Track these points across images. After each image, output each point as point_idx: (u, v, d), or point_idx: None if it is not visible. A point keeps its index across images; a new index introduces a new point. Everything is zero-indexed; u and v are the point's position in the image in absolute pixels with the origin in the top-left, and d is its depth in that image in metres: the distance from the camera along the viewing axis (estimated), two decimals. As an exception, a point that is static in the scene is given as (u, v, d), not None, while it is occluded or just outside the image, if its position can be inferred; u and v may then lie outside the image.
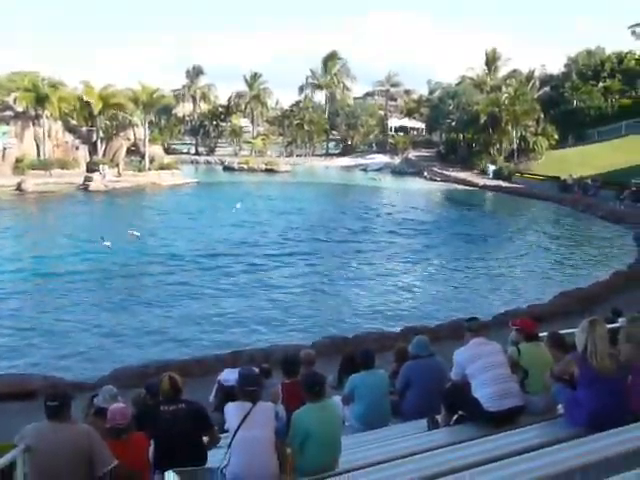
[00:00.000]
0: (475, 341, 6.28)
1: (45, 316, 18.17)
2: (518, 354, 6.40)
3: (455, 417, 6.38)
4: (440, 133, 79.27)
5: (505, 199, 48.48)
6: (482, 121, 60.52)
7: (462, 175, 59.35)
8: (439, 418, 6.52)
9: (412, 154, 77.49)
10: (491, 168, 57.90)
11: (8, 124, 49.91)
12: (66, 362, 14.58)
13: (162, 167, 54.93)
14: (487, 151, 61.66)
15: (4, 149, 48.02)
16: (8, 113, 51.06)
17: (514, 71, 76.15)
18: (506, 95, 61.95)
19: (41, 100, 49.52)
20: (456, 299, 20.69)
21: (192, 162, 73.82)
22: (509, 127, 59.20)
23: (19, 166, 47.92)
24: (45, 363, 14.35)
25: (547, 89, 71.79)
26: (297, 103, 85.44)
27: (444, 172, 62.20)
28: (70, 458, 4.74)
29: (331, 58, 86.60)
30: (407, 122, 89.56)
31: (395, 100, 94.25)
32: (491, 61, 76.34)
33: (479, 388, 5.96)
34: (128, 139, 56.72)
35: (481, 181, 55.71)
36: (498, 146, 60.78)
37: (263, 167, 68.56)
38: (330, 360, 10.81)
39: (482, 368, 5.98)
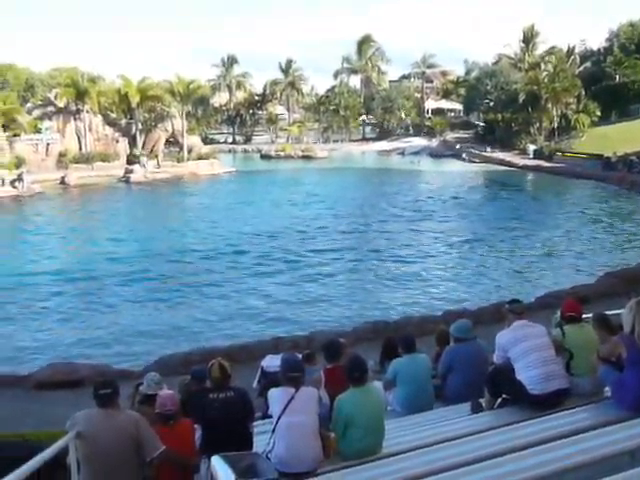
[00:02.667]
0: (518, 323, 6.20)
1: (91, 306, 18.61)
2: (563, 336, 6.30)
3: (499, 400, 6.33)
4: (478, 114, 78.02)
5: (546, 179, 47.58)
6: (521, 100, 59.34)
7: (501, 156, 58.41)
8: (483, 402, 6.48)
9: (450, 136, 76.53)
10: (531, 148, 56.81)
11: (50, 119, 51.01)
12: (112, 350, 14.93)
13: (200, 157, 55.44)
14: (527, 131, 60.47)
15: (47, 144, 49.05)
16: (50, 109, 52.14)
17: (553, 48, 74.20)
18: (545, 73, 60.59)
19: (81, 95, 50.40)
20: (498, 281, 20.47)
21: (230, 151, 74.30)
22: (549, 105, 57.90)
23: (62, 160, 48.94)
24: (92, 352, 14.71)
25: (588, 65, 69.98)
26: (332, 88, 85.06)
27: (483, 153, 61.30)
28: (120, 444, 4.86)
29: (365, 42, 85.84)
30: (444, 104, 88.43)
31: (431, 82, 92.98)
32: (529, 38, 74.58)
33: (523, 371, 5.89)
34: (166, 130, 57.37)
35: (521, 161, 54.74)
36: (538, 125, 59.54)
37: (300, 154, 68.59)
38: (371, 345, 10.85)
39: (526, 351, 5.91)
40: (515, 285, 19.84)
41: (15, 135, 47.43)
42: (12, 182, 41.33)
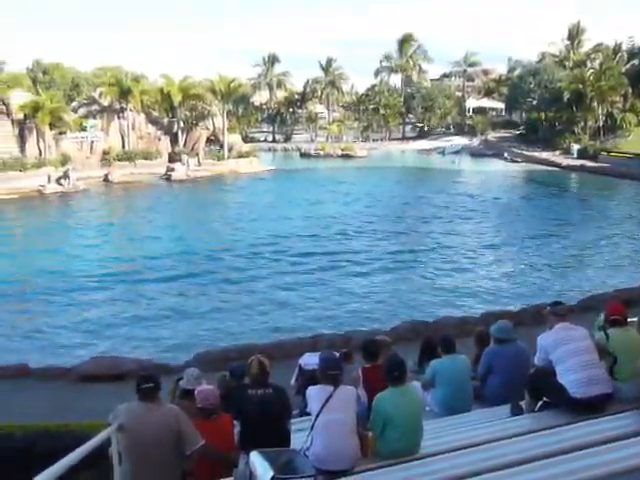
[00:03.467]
0: (560, 326, 6.10)
1: (133, 301, 18.97)
2: (606, 339, 6.17)
3: (540, 403, 6.24)
4: (520, 113, 76.89)
5: (591, 179, 46.66)
6: (565, 99, 58.26)
7: (544, 155, 57.49)
8: (523, 404, 6.39)
9: (491, 135, 75.57)
10: (575, 147, 55.77)
11: (95, 118, 52.09)
12: (152, 345, 15.21)
13: (241, 155, 55.88)
14: (571, 130, 59.39)
15: (92, 142, 50.11)
16: (95, 107, 53.24)
17: (599, 45, 72.57)
18: (591, 71, 59.33)
19: (125, 94, 51.33)
20: (539, 283, 20.16)
21: (269, 149, 74.72)
22: (594, 104, 56.77)
23: (106, 158, 49.94)
24: (133, 346, 15.00)
25: (636, 62, 68.15)
26: (372, 87, 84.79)
27: (525, 153, 60.40)
28: (160, 437, 4.95)
29: (407, 40, 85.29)
30: (485, 102, 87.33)
31: (473, 80, 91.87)
32: (574, 36, 73.15)
33: (565, 374, 5.79)
34: (207, 129, 58.00)
35: (564, 161, 53.78)
36: (582, 124, 58.43)
37: (339, 153, 68.59)
38: (409, 345, 10.80)
39: (568, 353, 5.81)
40: (556, 287, 19.52)
41: (61, 133, 48.59)
42: (58, 179, 42.35)
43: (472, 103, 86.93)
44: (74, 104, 56.04)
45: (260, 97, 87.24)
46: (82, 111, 53.07)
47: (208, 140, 57.81)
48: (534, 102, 67.77)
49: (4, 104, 45.62)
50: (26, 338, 15.94)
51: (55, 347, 15.23)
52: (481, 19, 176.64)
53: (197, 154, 53.84)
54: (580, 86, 57.36)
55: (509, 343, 7.22)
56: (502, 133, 76.25)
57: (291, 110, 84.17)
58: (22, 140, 46.09)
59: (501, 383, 6.99)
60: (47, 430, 7.48)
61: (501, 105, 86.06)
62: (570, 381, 5.73)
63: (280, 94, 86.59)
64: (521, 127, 72.70)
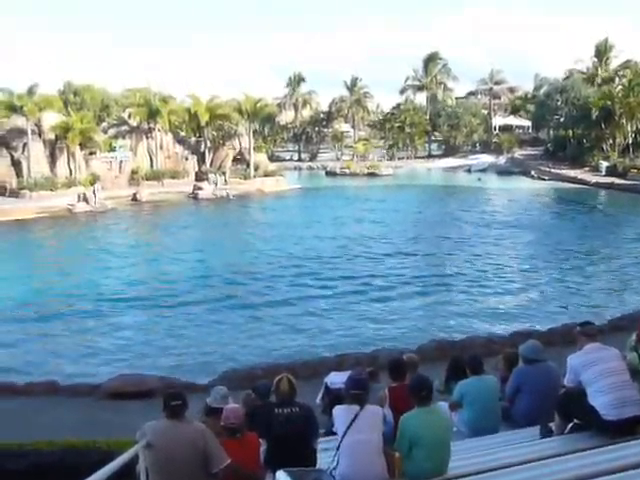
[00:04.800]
0: (591, 346, 5.99)
1: (159, 320, 19.09)
2: (639, 360, 6.05)
3: (570, 425, 6.12)
4: (547, 130, 76.39)
5: (620, 197, 46.00)
6: (594, 116, 57.74)
7: (572, 173, 56.86)
8: (552, 426, 6.28)
9: (518, 153, 75.06)
10: (604, 165, 55.12)
11: (124, 138, 53.00)
12: (177, 363, 15.26)
13: (266, 174, 56.30)
14: (599, 147, 58.78)
15: (121, 162, 50.93)
16: (124, 128, 54.19)
17: (628, 61, 71.94)
18: (620, 87, 58.78)
19: (153, 114, 52.17)
20: (569, 303, 19.85)
21: (295, 168, 75.14)
22: (623, 121, 56.13)
23: (134, 177, 50.69)
24: (159, 364, 15.07)
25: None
26: (398, 105, 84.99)
27: (552, 170, 59.83)
28: (187, 455, 4.96)
29: (432, 59, 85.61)
30: (512, 120, 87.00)
31: (499, 98, 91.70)
32: (602, 52, 72.62)
33: (596, 396, 5.68)
34: (234, 148, 58.62)
35: (593, 179, 53.13)
36: (611, 141, 57.80)
37: (365, 171, 68.71)
38: (435, 364, 10.68)
39: (599, 374, 5.70)
40: (586, 306, 19.21)
41: (91, 153, 49.50)
42: (85, 197, 42.93)
43: (498, 121, 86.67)
44: (104, 125, 57.11)
45: (286, 116, 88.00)
46: (112, 131, 54.07)
47: (234, 159, 58.41)
48: (561, 119, 67.31)
49: (36, 125, 46.63)
50: (54, 356, 16.13)
51: (82, 364, 15.37)
52: (507, 37, 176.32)
53: (224, 173, 54.37)
54: (609, 103, 56.84)
55: (539, 363, 7.12)
56: (529, 151, 75.77)
57: (317, 129, 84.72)
58: (53, 160, 47.03)
59: (530, 404, 6.89)
60: (75, 446, 7.54)
61: (528, 123, 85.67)
62: (601, 403, 5.61)
63: (306, 113, 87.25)
64: (548, 144, 72.15)
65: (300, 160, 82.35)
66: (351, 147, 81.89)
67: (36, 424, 10.29)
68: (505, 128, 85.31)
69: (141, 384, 12.35)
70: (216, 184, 50.72)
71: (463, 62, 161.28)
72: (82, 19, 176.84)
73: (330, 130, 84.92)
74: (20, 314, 19.58)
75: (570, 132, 64.26)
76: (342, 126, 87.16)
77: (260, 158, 59.90)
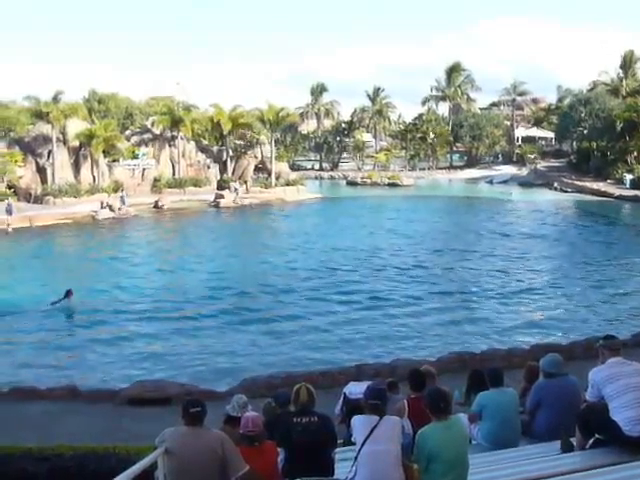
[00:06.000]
0: (613, 360, 5.91)
1: (178, 327, 19.17)
2: (662, 376, 5.95)
3: (591, 440, 6.03)
4: (571, 142, 75.75)
5: (645, 210, 45.45)
6: (618, 128, 57.16)
7: (595, 185, 56.27)
8: (573, 441, 6.19)
9: (541, 165, 74.50)
10: (628, 177, 54.51)
11: (147, 146, 53.50)
12: (196, 371, 15.32)
13: (288, 183, 56.47)
14: (623, 159, 58.12)
15: (143, 169, 51.41)
16: (147, 136, 54.70)
17: (654, 72, 71.38)
18: (645, 99, 58.22)
19: (176, 123, 52.59)
20: (590, 316, 19.63)
21: (316, 177, 75.23)
22: (649, 133, 55.53)
23: (157, 185, 51.11)
24: (180, 372, 15.13)
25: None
26: (420, 116, 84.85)
27: (576, 182, 59.28)
28: (205, 462, 4.98)
29: (455, 69, 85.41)
30: (535, 132, 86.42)
31: (522, 109, 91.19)
32: (628, 64, 71.93)
33: (618, 411, 5.60)
34: (255, 157, 58.90)
35: (617, 191, 52.56)
36: (636, 154, 57.10)
37: (386, 181, 68.60)
38: (455, 376, 10.62)
39: (621, 389, 5.62)
40: (609, 320, 18.96)
41: (114, 160, 50.05)
42: (110, 206, 43.42)
43: (521, 132, 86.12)
44: (127, 132, 57.66)
45: (308, 126, 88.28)
46: (135, 139, 54.57)
47: (256, 168, 58.67)
48: (585, 131, 66.69)
49: (61, 132, 47.29)
50: (74, 362, 16.28)
51: (102, 371, 15.50)
52: (531, 48, 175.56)
53: (245, 182, 54.62)
54: (634, 115, 56.26)
55: (560, 377, 7.04)
56: (552, 162, 75.13)
57: (338, 139, 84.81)
58: (77, 167, 47.63)
59: (550, 418, 6.81)
60: (95, 451, 7.60)
61: (551, 134, 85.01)
62: (624, 418, 5.54)
63: (328, 123, 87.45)
64: (571, 156, 71.52)
65: (321, 169, 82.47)
66: (372, 157, 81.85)
67: (56, 428, 10.40)
68: (528, 139, 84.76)
69: (160, 391, 12.42)
70: (237, 193, 50.95)
71: (486, 73, 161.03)
72: (107, 27, 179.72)
73: (352, 140, 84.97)
74: (42, 321, 19.76)
75: (594, 144, 63.68)
76: (364, 136, 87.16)
77: (281, 167, 60.12)
